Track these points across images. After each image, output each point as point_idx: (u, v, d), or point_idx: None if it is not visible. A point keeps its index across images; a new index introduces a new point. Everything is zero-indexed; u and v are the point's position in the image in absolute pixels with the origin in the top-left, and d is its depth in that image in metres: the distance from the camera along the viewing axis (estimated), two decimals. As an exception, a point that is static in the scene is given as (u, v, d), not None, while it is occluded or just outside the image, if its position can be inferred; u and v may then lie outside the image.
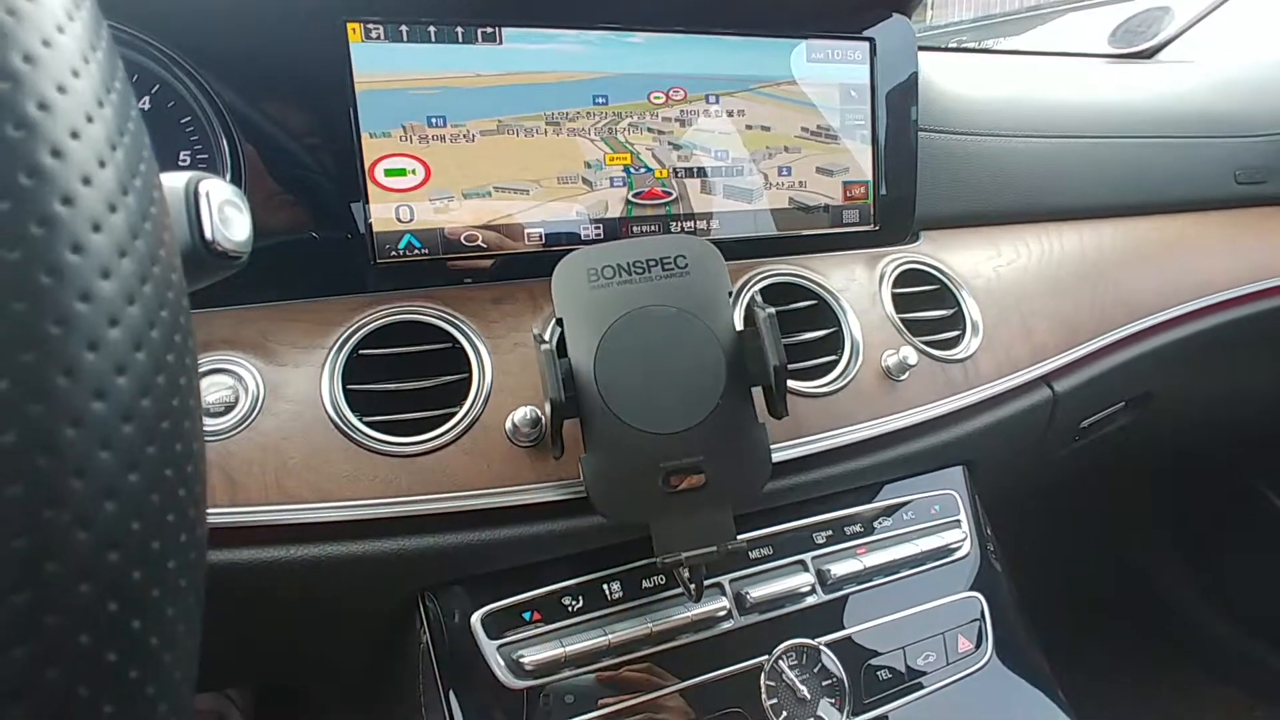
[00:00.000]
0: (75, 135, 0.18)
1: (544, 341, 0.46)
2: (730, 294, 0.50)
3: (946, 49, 1.13)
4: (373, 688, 0.60)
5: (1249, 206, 0.97)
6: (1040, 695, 0.60)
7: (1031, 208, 0.84)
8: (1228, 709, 1.35)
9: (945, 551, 0.63)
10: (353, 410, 0.50)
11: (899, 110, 0.73)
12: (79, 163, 0.18)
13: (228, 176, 0.53)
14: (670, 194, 0.66)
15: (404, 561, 0.50)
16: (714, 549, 0.47)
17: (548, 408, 0.46)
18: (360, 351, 0.52)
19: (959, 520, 0.66)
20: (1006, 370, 0.70)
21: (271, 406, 0.50)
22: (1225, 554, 1.40)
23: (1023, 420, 0.72)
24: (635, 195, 0.65)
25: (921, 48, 0.77)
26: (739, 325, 0.52)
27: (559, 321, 0.49)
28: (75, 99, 0.18)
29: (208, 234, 0.27)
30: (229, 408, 0.49)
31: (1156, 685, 1.39)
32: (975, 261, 0.76)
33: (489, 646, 0.51)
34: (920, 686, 0.58)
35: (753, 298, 0.49)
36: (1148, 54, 1.23)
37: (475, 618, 0.52)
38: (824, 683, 0.56)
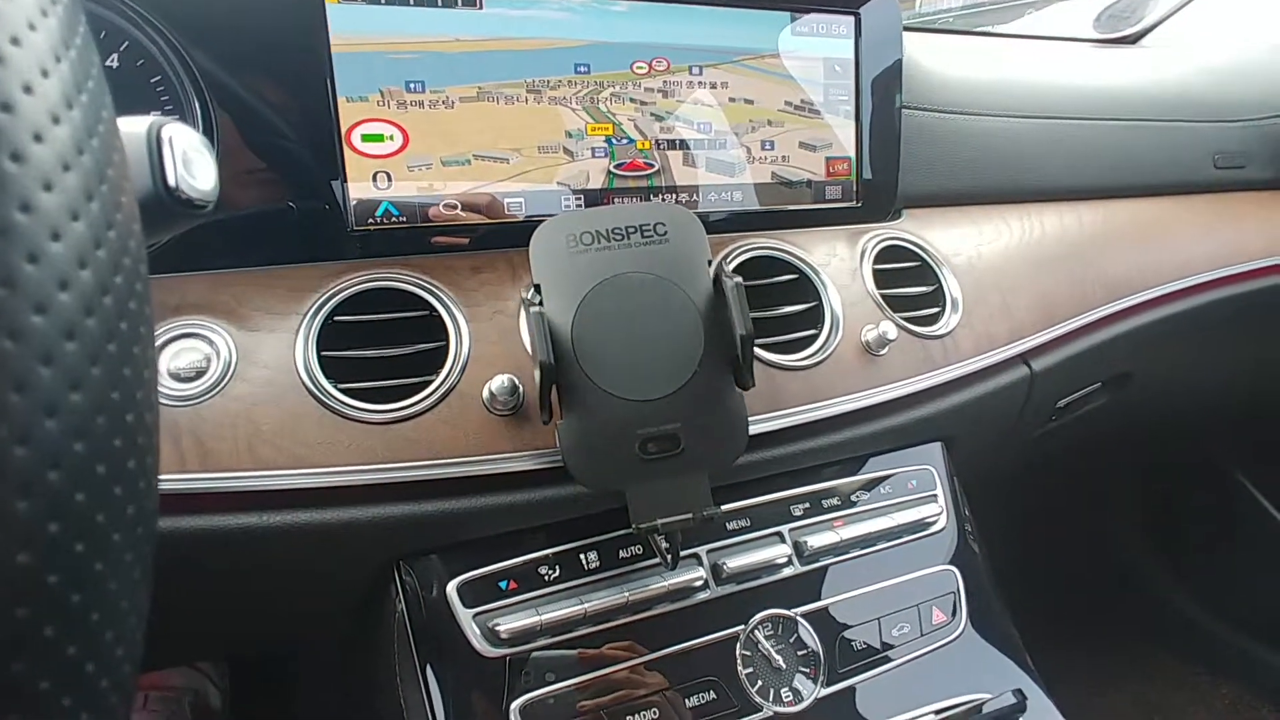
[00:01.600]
0: (28, 90, 0.17)
1: (534, 304, 0.45)
2: (710, 262, 0.50)
3: (932, 29, 1.13)
4: (349, 657, 0.60)
5: (1227, 191, 0.98)
6: (1011, 665, 0.61)
7: (1013, 187, 0.84)
8: (1196, 688, 1.38)
9: (921, 525, 0.64)
10: (327, 377, 0.50)
11: (883, 87, 0.73)
12: (31, 118, 0.17)
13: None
14: (652, 166, 0.65)
15: (379, 530, 0.50)
16: (690, 515, 0.47)
17: (537, 372, 0.45)
18: (335, 318, 0.52)
19: (935, 495, 0.66)
20: (985, 347, 0.70)
21: (244, 372, 0.49)
22: (1195, 536, 1.42)
23: (1000, 397, 0.73)
24: (617, 166, 0.64)
25: (907, 28, 0.77)
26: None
27: (537, 287, 0.48)
28: (30, 53, 0.17)
29: (170, 180, 0.26)
30: (200, 373, 0.48)
31: (1123, 661, 1.41)
32: (956, 240, 0.76)
33: (465, 615, 0.51)
34: (893, 658, 0.58)
35: (720, 266, 0.49)
36: (1132, 39, 1.23)
37: (451, 587, 0.52)
38: (799, 653, 0.56)
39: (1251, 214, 0.97)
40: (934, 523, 0.65)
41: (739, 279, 0.48)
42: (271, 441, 0.48)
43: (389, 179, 0.57)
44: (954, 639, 0.60)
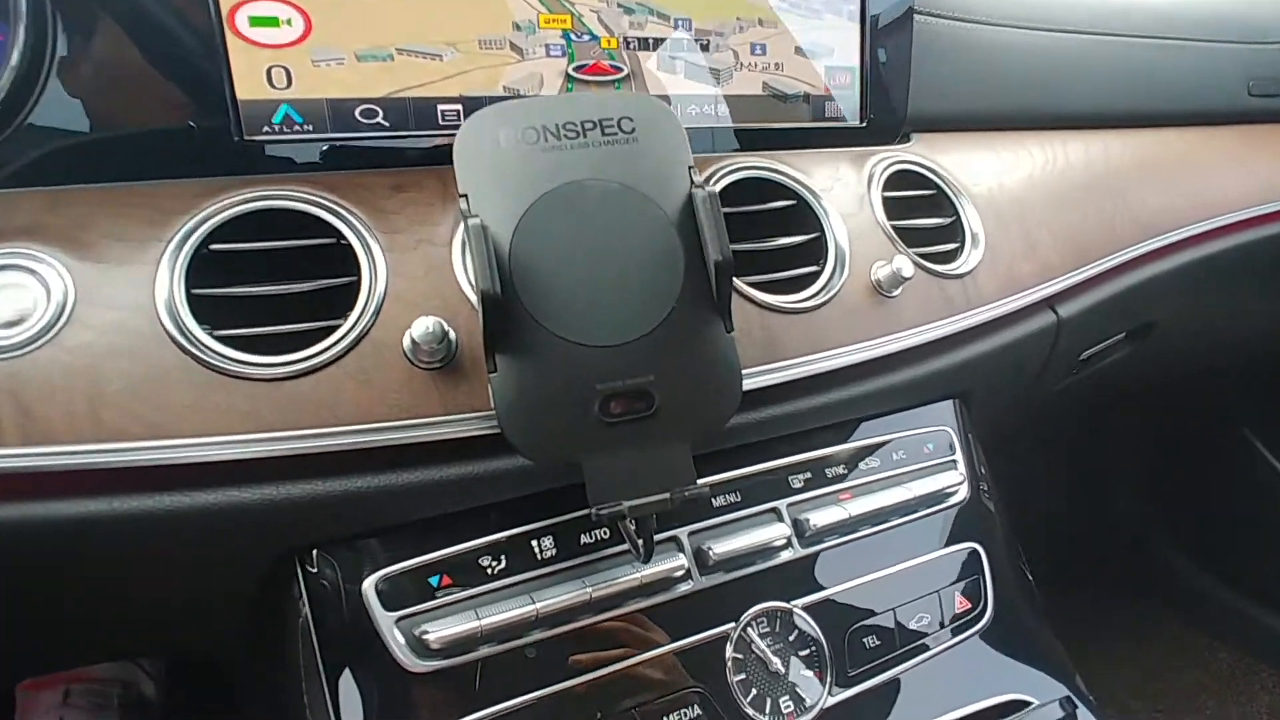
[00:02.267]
0: None
1: (472, 214, 0.34)
2: (690, 168, 0.39)
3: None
4: (254, 664, 0.49)
5: (1263, 122, 0.89)
6: (1047, 662, 0.52)
7: (1035, 112, 0.75)
8: (1195, 651, 1.35)
9: (940, 497, 0.55)
10: (199, 321, 0.39)
11: (893, -19, 0.61)
12: None
13: (22, 17, 0.39)
14: (619, 70, 0.54)
15: (270, 516, 0.39)
16: (666, 495, 0.36)
17: (478, 303, 0.34)
18: (211, 246, 0.41)
19: (954, 460, 0.57)
20: (1009, 290, 0.61)
21: (84, 316, 0.38)
22: (1199, 498, 1.39)
23: (1024, 348, 0.64)
24: (577, 69, 0.53)
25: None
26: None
27: (465, 198, 0.37)
28: None
29: None
30: (23, 316, 0.37)
31: (1122, 624, 1.38)
32: (975, 167, 0.66)
33: (385, 620, 0.41)
34: (913, 654, 0.49)
35: (690, 176, 0.38)
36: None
37: (368, 584, 0.42)
38: (800, 652, 0.47)
39: (1289, 146, 0.88)
40: (954, 493, 0.56)
41: (712, 189, 0.37)
42: (122, 405, 0.37)
43: (288, 76, 0.46)
44: (980, 629, 0.51)
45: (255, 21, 0.45)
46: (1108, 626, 1.40)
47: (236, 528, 0.39)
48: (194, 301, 0.39)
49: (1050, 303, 0.66)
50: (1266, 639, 1.31)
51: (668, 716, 0.43)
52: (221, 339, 0.39)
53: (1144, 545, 1.45)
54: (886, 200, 0.58)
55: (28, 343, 0.36)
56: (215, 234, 0.41)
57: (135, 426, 0.37)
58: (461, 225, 0.41)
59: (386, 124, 0.48)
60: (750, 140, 0.58)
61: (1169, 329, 0.84)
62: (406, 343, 0.41)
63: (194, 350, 0.38)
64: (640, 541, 0.39)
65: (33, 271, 0.38)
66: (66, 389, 0.36)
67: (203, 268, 0.40)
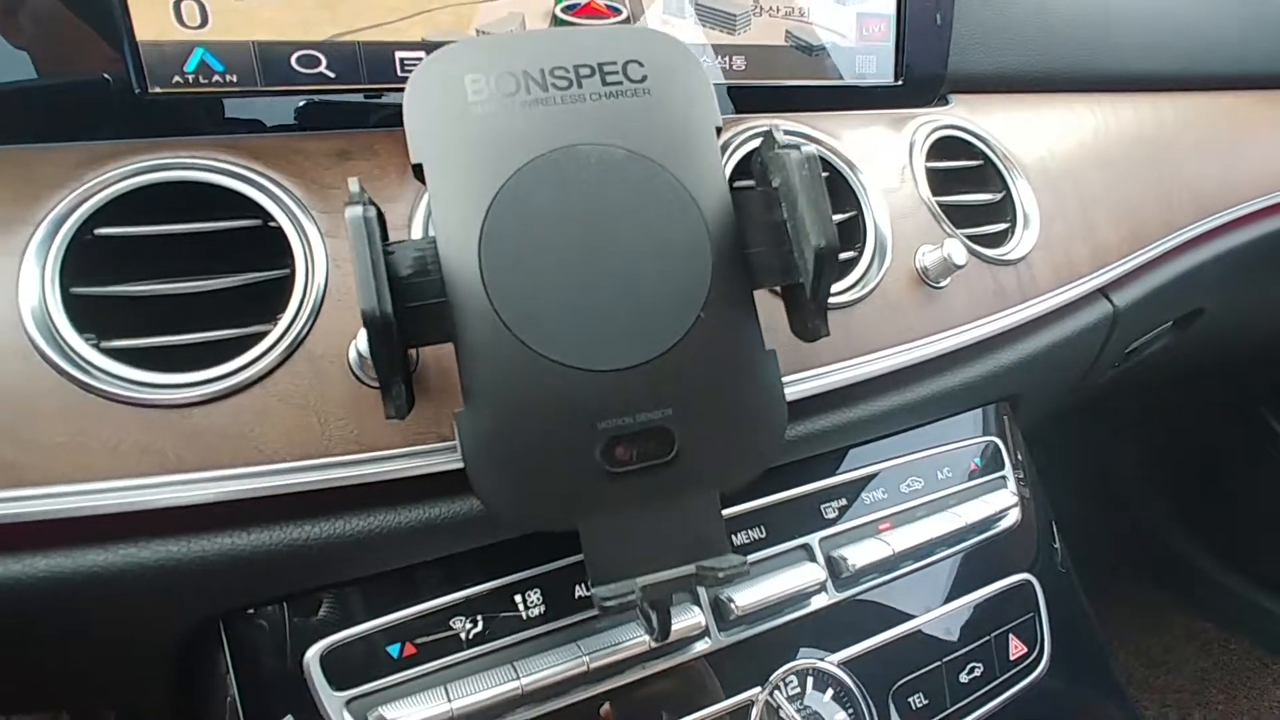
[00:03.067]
0: None
1: (357, 200, 0.25)
2: (718, 129, 0.30)
3: None
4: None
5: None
6: (1106, 706, 0.46)
7: (1083, 70, 0.67)
8: (1205, 641, 1.32)
9: (990, 522, 0.47)
10: (79, 330, 0.30)
11: (937, -87, 0.52)
12: None
13: None
14: (618, 11, 0.46)
15: (180, 577, 0.31)
16: (690, 570, 0.28)
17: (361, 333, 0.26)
18: (96, 231, 0.31)
19: (1004, 478, 0.50)
20: (1066, 278, 0.53)
21: (-78, 323, 0.28)
22: (1211, 488, 1.35)
23: (1077, 344, 0.57)
24: (565, 9, 0.44)
25: None
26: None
27: (418, 170, 0.28)
28: None
29: None
30: None
31: (1131, 613, 1.35)
32: (1022, 134, 0.58)
33: (333, 701, 0.33)
34: (965, 712, 0.42)
35: (769, 136, 0.29)
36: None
37: (310, 655, 0.34)
38: (838, 717, 0.39)
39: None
40: (1003, 517, 0.48)
41: (812, 149, 0.28)
42: (-24, 440, 0.28)
43: (203, 12, 0.37)
44: (1036, 677, 0.44)
45: (158, -58, 0.35)
46: (1121, 617, 1.38)
47: (137, 593, 0.31)
48: (72, 304, 0.30)
49: (1105, 291, 0.58)
50: (1277, 629, 1.28)
51: (684, 808, 0.36)
52: (109, 352, 0.30)
53: (1155, 535, 1.41)
54: (930, 173, 0.50)
55: None
56: (100, 214, 0.32)
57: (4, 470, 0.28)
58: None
59: (330, 75, 0.40)
60: (770, 99, 0.50)
61: (1216, 315, 0.77)
62: (353, 354, 0.32)
63: (71, 369, 0.29)
64: (655, 619, 0.31)
65: None
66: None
67: (85, 259, 0.31)
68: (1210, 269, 0.68)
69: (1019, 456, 0.53)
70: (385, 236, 0.28)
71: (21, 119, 0.34)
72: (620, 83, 0.29)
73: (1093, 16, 0.68)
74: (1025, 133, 0.59)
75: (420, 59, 0.41)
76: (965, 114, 0.57)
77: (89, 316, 0.31)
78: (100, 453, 0.29)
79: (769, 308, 0.39)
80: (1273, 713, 1.22)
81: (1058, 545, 0.50)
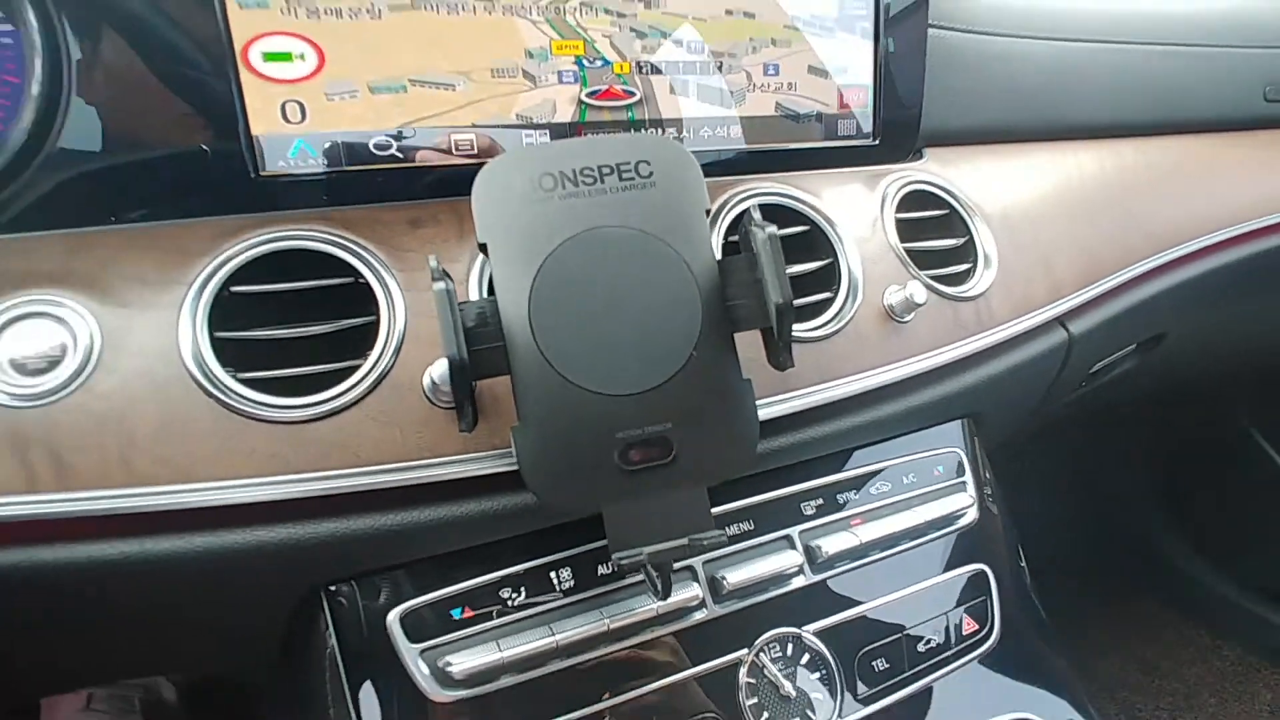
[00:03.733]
0: None
1: (442, 275, 0.35)
2: (708, 212, 0.39)
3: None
4: (280, 687, 0.51)
5: (1278, 128, 0.88)
6: (1052, 682, 0.53)
7: (1049, 123, 0.75)
8: (1199, 647, 1.36)
9: (949, 520, 0.56)
10: (223, 365, 0.40)
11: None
12: None
13: (38, 63, 0.40)
14: (632, 94, 0.54)
15: (295, 554, 0.40)
16: (685, 542, 0.37)
17: (445, 369, 0.35)
18: (232, 289, 0.42)
19: (964, 483, 0.58)
20: (1022, 310, 0.61)
21: (112, 362, 0.38)
22: (1204, 497, 1.39)
23: (1034, 366, 0.64)
24: (590, 95, 0.53)
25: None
26: (719, 253, 0.41)
27: (483, 248, 0.38)
28: None
29: None
30: (53, 364, 0.38)
31: (1127, 621, 1.40)
32: (987, 184, 0.66)
33: (409, 651, 0.42)
34: (921, 675, 0.50)
35: (748, 214, 0.38)
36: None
37: (392, 617, 0.43)
38: (812, 675, 0.48)
39: (1304, 152, 0.87)
40: (963, 515, 0.56)
41: (773, 229, 0.37)
42: (150, 451, 0.38)
43: (302, 111, 0.46)
44: (985, 649, 0.52)
45: (269, 57, 0.45)
46: (1112, 623, 1.42)
47: (264, 566, 0.40)
48: (217, 345, 0.40)
49: (1062, 320, 0.66)
50: (1270, 638, 1.32)
51: (684, 743, 0.45)
52: (245, 382, 0.40)
53: (1149, 543, 1.45)
54: (899, 222, 0.58)
55: (58, 389, 0.37)
56: (235, 276, 0.41)
57: (164, 471, 0.38)
58: (475, 265, 0.41)
59: (400, 155, 0.49)
60: (764, 161, 0.58)
61: (1179, 339, 0.84)
62: (427, 382, 0.41)
63: (219, 394, 0.39)
64: (659, 581, 0.40)
65: (59, 319, 0.38)
66: (98, 436, 0.37)
67: (225, 310, 0.41)
68: (1167, 298, 0.76)
69: (981, 466, 0.61)
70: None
71: (168, 199, 0.43)
72: (633, 178, 0.38)
73: (1057, 75, 0.75)
74: (990, 182, 0.67)
75: (471, 140, 0.51)
76: (936, 167, 0.65)
77: (230, 354, 0.40)
78: (239, 458, 0.39)
79: (759, 343, 0.48)
80: (1261, 715, 1.26)
81: (1010, 542, 0.58)
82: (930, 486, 0.56)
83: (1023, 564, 0.58)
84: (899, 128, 0.63)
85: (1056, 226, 0.67)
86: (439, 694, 0.42)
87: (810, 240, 0.55)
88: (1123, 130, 0.79)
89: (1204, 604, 1.40)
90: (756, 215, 0.39)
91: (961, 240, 0.61)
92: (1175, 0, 0.88)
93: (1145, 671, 1.34)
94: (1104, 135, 0.78)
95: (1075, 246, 0.67)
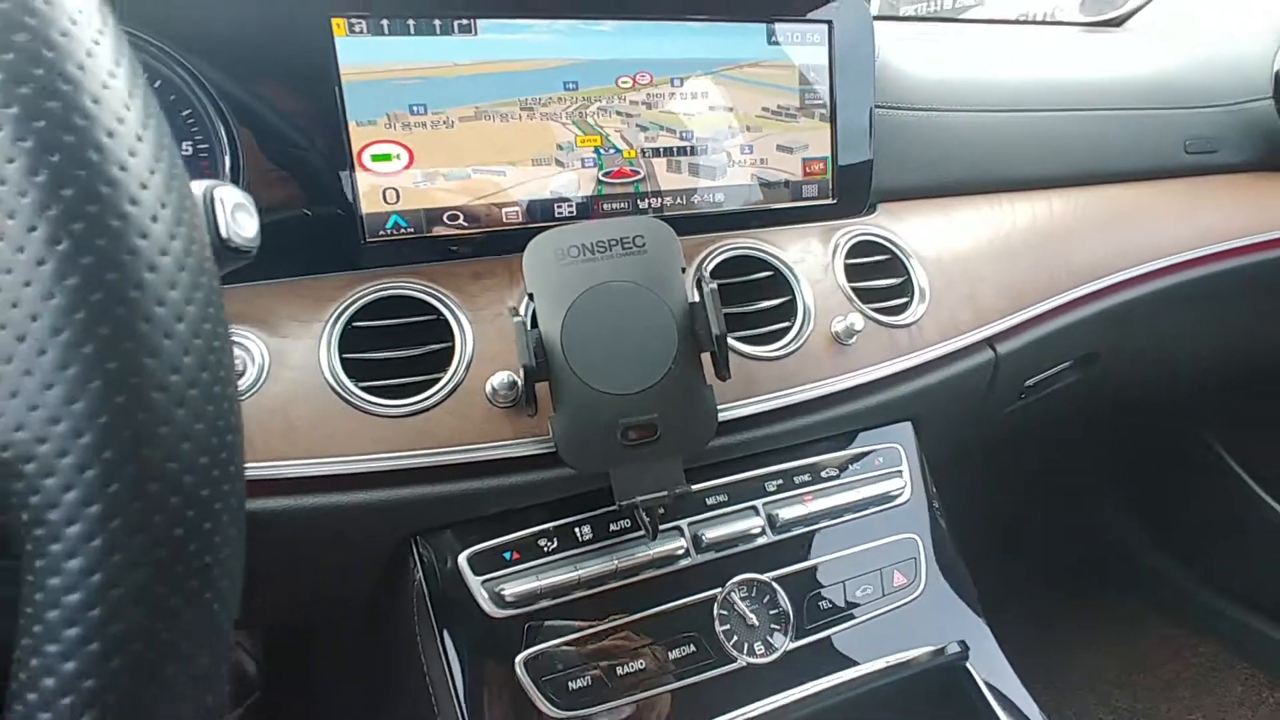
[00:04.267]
0: (132, 155, 0.23)
1: (518, 314, 0.52)
2: (683, 269, 0.56)
3: (911, 18, 1.16)
4: (373, 624, 0.68)
5: (1199, 175, 1.01)
6: (965, 622, 0.68)
7: (985, 179, 0.88)
8: (1175, 645, 1.44)
9: (886, 498, 0.70)
10: (349, 376, 0.56)
11: (856, 89, 0.77)
12: (136, 174, 0.23)
13: (227, 165, 0.58)
14: (638, 173, 0.71)
15: (397, 509, 0.57)
16: (665, 493, 0.54)
17: (521, 373, 0.52)
18: (354, 323, 0.57)
19: (900, 470, 0.72)
20: (950, 333, 0.75)
21: (277, 374, 0.56)
22: (1176, 505, 1.47)
23: (965, 380, 0.78)
24: (605, 175, 0.69)
25: (885, 18, 0.81)
26: (692, 297, 0.58)
27: (530, 296, 0.55)
28: (127, 130, 0.23)
29: (223, 233, 0.33)
30: (240, 375, 0.55)
31: (1106, 623, 1.48)
32: (927, 232, 0.81)
33: (474, 582, 0.58)
34: (856, 615, 0.65)
35: (699, 272, 0.55)
36: (1117, 22, 1.26)
37: (462, 557, 0.59)
38: (771, 612, 0.63)
39: (1223, 196, 1.01)
40: (898, 495, 0.71)
41: (714, 285, 0.54)
42: (303, 434, 0.55)
43: (397, 194, 0.63)
44: (913, 599, 0.67)
45: (375, 158, 0.62)
46: (1094, 623, 1.49)
47: (373, 519, 0.57)
48: (345, 362, 0.56)
49: (989, 342, 0.80)
50: (1242, 635, 1.38)
51: (672, 651, 0.60)
52: (364, 388, 0.56)
53: (1128, 548, 1.54)
54: (848, 266, 0.74)
55: (244, 393, 0.55)
56: (356, 314, 0.59)
57: (312, 448, 0.55)
58: (523, 304, 0.59)
59: (466, 224, 0.65)
60: (743, 220, 0.73)
61: (1113, 357, 0.97)
62: (488, 389, 0.58)
63: (347, 397, 0.56)
64: (649, 523, 0.57)
65: (242, 344, 0.56)
66: (268, 424, 0.54)
67: (349, 338, 0.58)
68: (1092, 323, 0.88)
69: (918, 458, 0.76)
70: None
71: (308, 261, 0.61)
72: (631, 248, 0.55)
73: (992, 140, 0.89)
74: (929, 230, 0.81)
75: (518, 211, 0.68)
76: (885, 220, 0.81)
77: (352, 369, 0.56)
78: (361, 440, 0.56)
79: (732, 361, 0.64)
80: (1232, 705, 1.34)
81: (939, 519, 0.72)
82: (871, 473, 0.71)
83: (949, 536, 0.72)
84: (853, 190, 0.78)
85: (986, 265, 0.81)
86: (495, 612, 0.58)
87: (775, 283, 0.70)
88: (1054, 182, 0.92)
89: (1181, 606, 1.47)
90: (707, 275, 0.56)
91: (901, 279, 0.76)
92: (1102, 68, 1.02)
93: (1124, 668, 1.41)
94: (1036, 187, 0.91)
95: (1002, 280, 0.81)
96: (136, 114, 0.24)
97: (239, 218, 0.34)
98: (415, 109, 0.62)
